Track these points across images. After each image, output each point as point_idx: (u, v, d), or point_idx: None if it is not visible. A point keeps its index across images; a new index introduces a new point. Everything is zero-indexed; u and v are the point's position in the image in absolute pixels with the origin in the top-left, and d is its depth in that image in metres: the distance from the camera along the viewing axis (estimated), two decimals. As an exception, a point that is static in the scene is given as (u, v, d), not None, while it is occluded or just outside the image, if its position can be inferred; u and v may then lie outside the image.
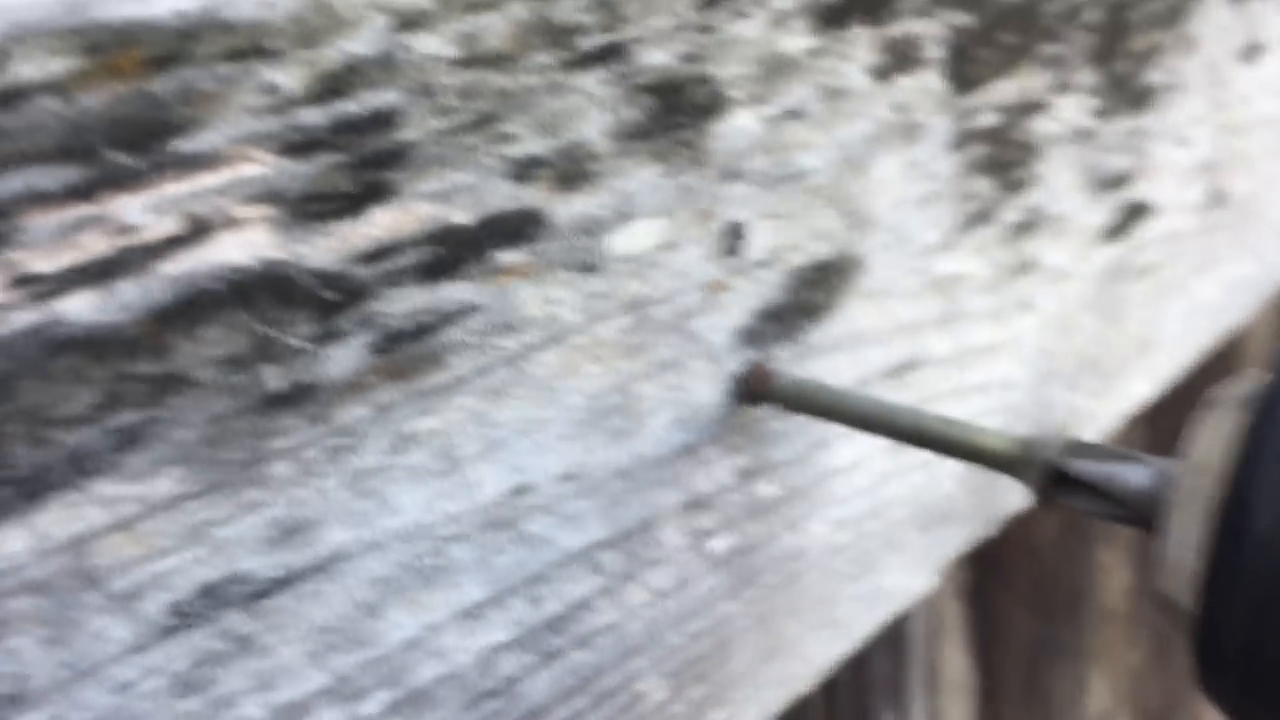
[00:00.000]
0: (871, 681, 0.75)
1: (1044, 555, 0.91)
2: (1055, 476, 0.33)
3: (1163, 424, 0.98)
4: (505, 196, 0.31)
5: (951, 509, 0.52)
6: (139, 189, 0.24)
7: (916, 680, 0.79)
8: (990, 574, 0.84)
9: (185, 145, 0.25)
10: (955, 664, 0.83)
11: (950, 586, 0.80)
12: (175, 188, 0.25)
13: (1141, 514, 0.32)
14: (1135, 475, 0.32)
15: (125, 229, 0.24)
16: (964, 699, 0.85)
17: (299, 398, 0.28)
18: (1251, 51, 0.67)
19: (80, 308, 0.24)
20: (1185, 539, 0.28)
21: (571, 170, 0.33)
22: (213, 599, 0.27)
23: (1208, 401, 0.31)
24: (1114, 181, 0.58)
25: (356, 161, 0.28)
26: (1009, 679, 0.90)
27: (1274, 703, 0.26)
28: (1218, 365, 0.94)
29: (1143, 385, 0.66)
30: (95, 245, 0.24)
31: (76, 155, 0.23)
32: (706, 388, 0.39)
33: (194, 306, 0.26)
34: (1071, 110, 0.53)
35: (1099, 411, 0.61)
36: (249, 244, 0.26)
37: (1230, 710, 0.28)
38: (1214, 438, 0.29)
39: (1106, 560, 1.02)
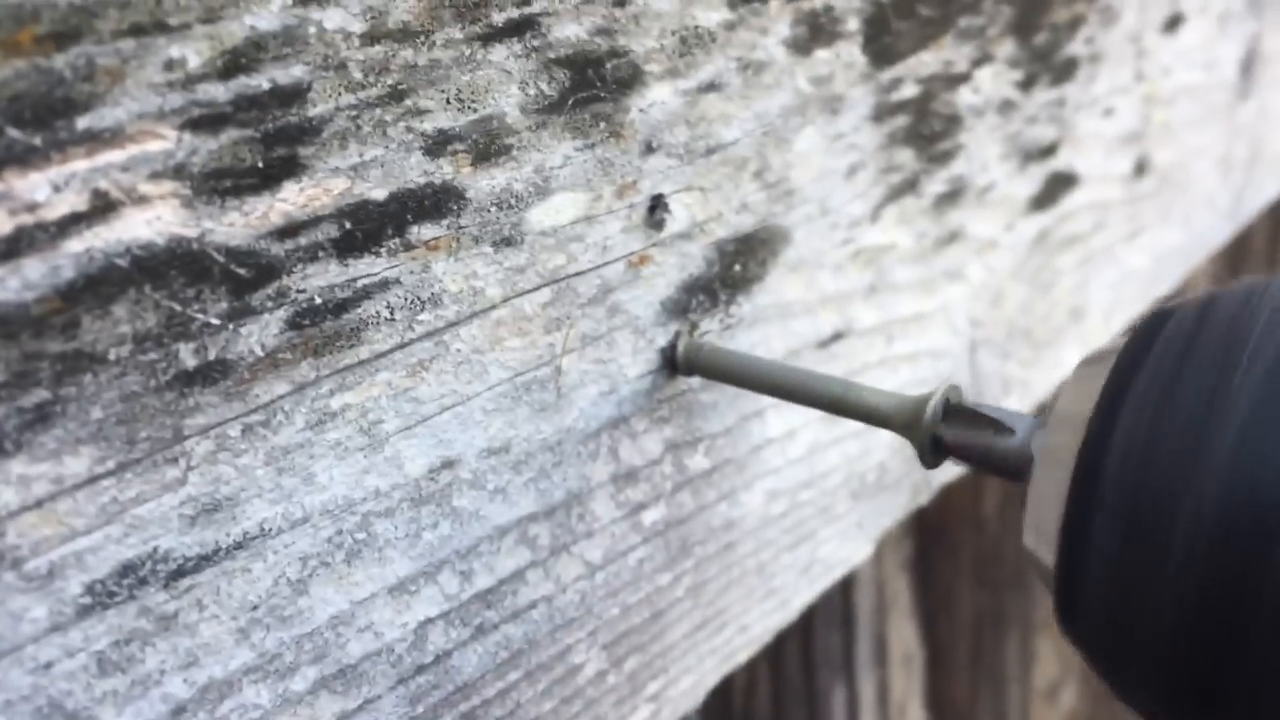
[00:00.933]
0: (820, 656, 0.76)
1: (989, 527, 0.92)
2: (937, 437, 0.34)
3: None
4: (420, 171, 0.31)
5: (885, 478, 0.53)
6: (42, 166, 0.24)
7: (865, 654, 0.80)
8: (935, 547, 0.85)
9: (88, 122, 0.25)
10: (903, 637, 0.84)
11: (896, 560, 0.81)
12: (79, 164, 0.25)
13: (1018, 471, 0.32)
14: (1012, 434, 0.32)
15: (29, 206, 0.24)
16: (913, 671, 0.86)
17: (215, 375, 0.28)
18: (1172, 22, 0.68)
19: (-16, 286, 0.24)
20: (1047, 493, 0.28)
21: (487, 144, 0.33)
22: (132, 578, 0.27)
23: (1083, 359, 0.31)
24: (1039, 152, 0.59)
25: (264, 136, 0.28)
26: (957, 650, 0.91)
27: (1130, 652, 0.26)
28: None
29: (1075, 353, 0.67)
30: (-2, 223, 0.24)
31: (-25, 132, 0.23)
32: (633, 360, 0.39)
33: (101, 283, 0.26)
34: (993, 82, 0.54)
35: (1032, 380, 0.62)
36: (156, 220, 0.26)
37: (1092, 659, 0.28)
38: (1080, 391, 0.29)
39: (1052, 532, 1.03)
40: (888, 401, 0.35)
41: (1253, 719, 0.24)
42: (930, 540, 0.83)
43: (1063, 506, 0.27)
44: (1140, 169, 0.69)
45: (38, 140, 0.24)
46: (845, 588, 0.76)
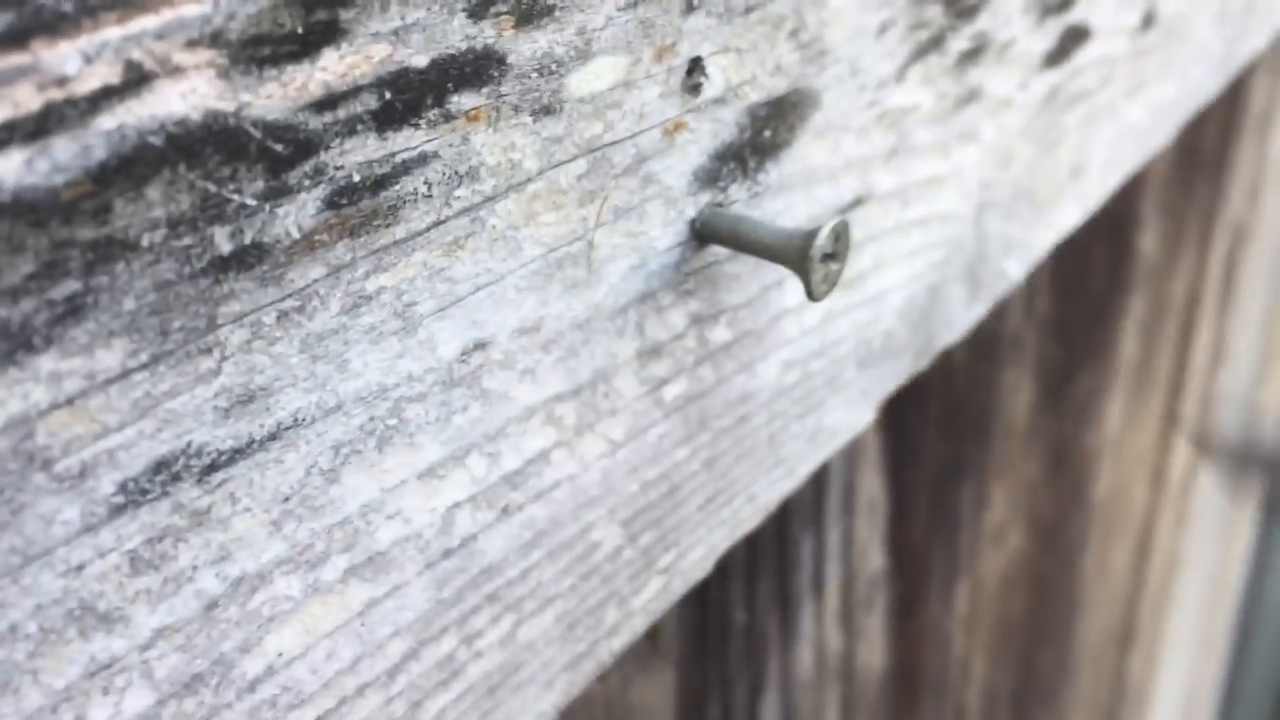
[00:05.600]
0: (791, 506, 0.76)
1: (957, 378, 0.92)
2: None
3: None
4: (461, 35, 0.29)
5: (891, 344, 0.52)
6: (72, 35, 0.22)
7: (834, 503, 0.80)
8: (907, 398, 0.85)
9: (119, -18, 0.22)
10: (870, 486, 0.84)
11: (869, 411, 0.81)
12: (111, 32, 0.22)
13: None
14: None
15: (58, 80, 0.22)
16: (875, 518, 0.87)
17: (250, 259, 0.26)
18: None
19: (11, 169, 0.22)
20: None
21: (530, 4, 0.30)
22: (166, 474, 0.26)
23: None
24: (1058, 5, 0.56)
25: (306, -2, 0.25)
26: (918, 498, 0.92)
27: None
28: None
29: (1071, 213, 0.65)
30: (26, 99, 0.21)
31: (-2, -4, 0.21)
32: (663, 233, 0.37)
33: (134, 164, 0.23)
34: (1022, -68, 0.51)
35: (1032, 240, 0.61)
36: (191, 93, 0.24)
37: None
38: None
39: (1010, 379, 1.04)
40: (778, 237, 0.36)
41: None
42: (903, 393, 0.83)
43: None
44: (1148, 21, 0.67)
45: (68, 6, 0.21)
46: (821, 439, 0.76)
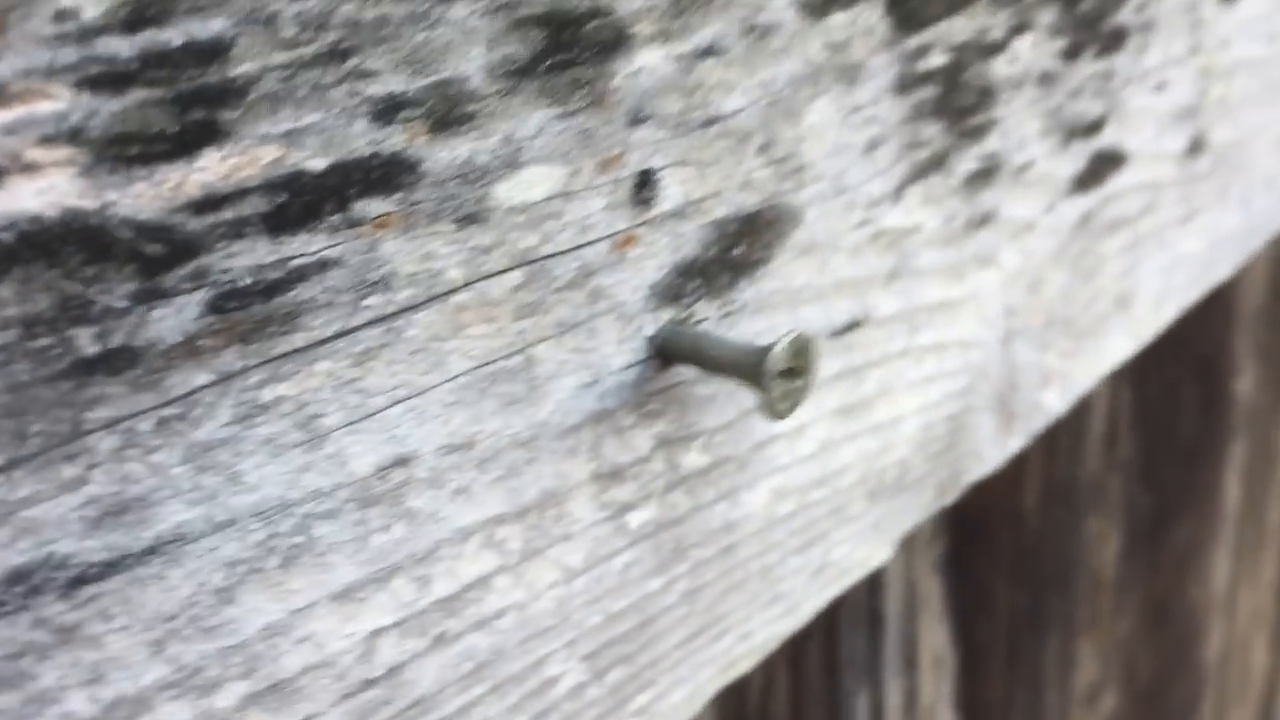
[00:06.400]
0: (844, 658, 0.72)
1: (1028, 523, 0.88)
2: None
3: (1148, 381, 0.95)
4: (366, 140, 0.28)
5: (907, 477, 0.49)
6: (-95, 127, 0.22)
7: (892, 657, 0.76)
8: (971, 544, 0.81)
9: (-38, 77, 0.22)
10: (934, 639, 0.80)
11: (928, 559, 0.77)
12: (-49, 126, 0.22)
13: None
14: None
15: (-110, 172, 0.21)
16: (943, 674, 0.82)
17: (119, 363, 0.25)
18: (1234, -9, 0.64)
19: None
20: None
21: (445, 112, 0.30)
22: (24, 585, 0.25)
23: None
24: (1084, 129, 0.55)
25: (178, 98, 0.25)
26: (992, 652, 0.87)
27: None
28: (1202, 320, 0.90)
29: (1122, 342, 0.62)
30: None
31: None
32: (618, 349, 0.36)
33: (-20, 260, 0.23)
34: (1033, 51, 0.50)
35: (1073, 371, 0.58)
36: (47, 190, 0.23)
37: None
38: None
39: (1094, 527, 0.99)
40: (735, 352, 0.35)
41: None
42: (966, 537, 0.79)
43: None
44: (1195, 147, 0.65)
45: (-103, 97, 0.21)
46: (872, 588, 0.73)
